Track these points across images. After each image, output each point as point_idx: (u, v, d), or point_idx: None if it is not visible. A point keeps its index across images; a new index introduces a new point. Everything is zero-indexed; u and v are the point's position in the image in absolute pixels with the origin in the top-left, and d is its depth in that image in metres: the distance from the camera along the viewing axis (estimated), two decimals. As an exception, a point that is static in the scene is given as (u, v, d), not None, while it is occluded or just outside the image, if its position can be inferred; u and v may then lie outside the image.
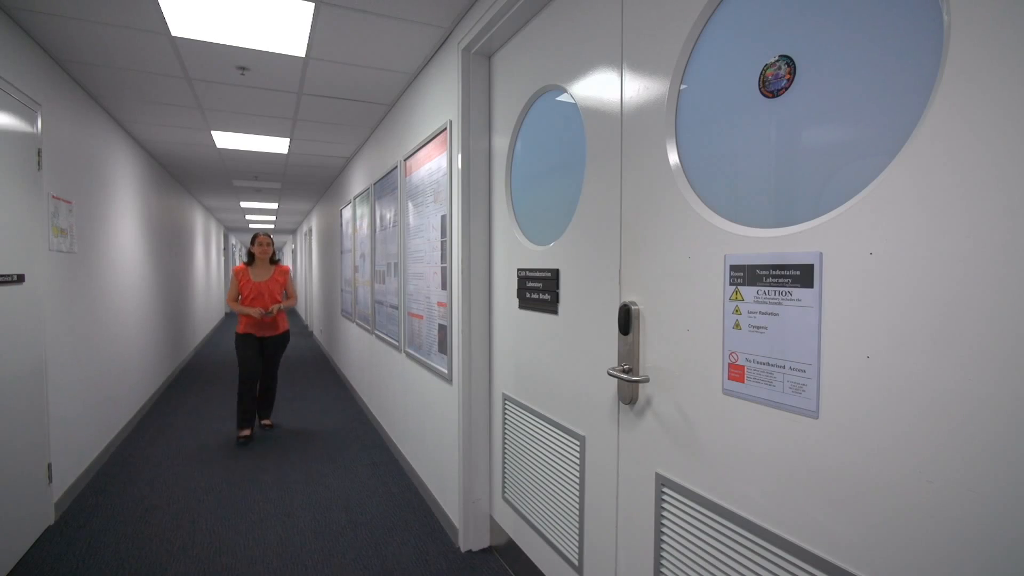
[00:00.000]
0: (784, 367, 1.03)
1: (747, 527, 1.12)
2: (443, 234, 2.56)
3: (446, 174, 2.50)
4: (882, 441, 0.89)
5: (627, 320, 1.42)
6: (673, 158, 1.31)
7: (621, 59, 1.47)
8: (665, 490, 1.36)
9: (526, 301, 2.02)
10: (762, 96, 1.08)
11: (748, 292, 1.09)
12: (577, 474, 1.71)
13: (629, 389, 1.46)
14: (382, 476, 3.27)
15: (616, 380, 1.52)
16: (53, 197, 2.76)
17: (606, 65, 1.53)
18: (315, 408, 4.85)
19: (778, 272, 1.04)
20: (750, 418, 1.12)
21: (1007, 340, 0.75)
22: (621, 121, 1.48)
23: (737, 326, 1.12)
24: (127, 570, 2.26)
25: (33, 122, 2.55)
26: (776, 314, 1.04)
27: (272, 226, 13.29)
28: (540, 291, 1.91)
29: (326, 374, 6.39)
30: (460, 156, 2.33)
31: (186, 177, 6.35)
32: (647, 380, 1.39)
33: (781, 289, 1.03)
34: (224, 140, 4.51)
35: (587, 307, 1.65)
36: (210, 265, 10.13)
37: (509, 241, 2.18)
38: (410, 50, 2.68)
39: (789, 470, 1.04)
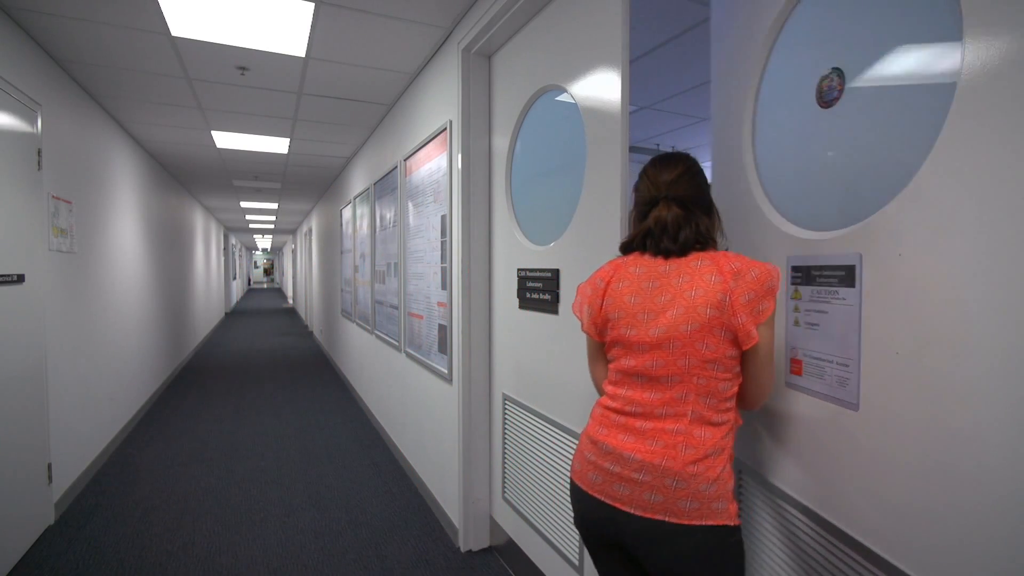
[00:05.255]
0: (832, 361, 1.09)
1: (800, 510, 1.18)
2: (443, 234, 2.56)
3: (446, 174, 2.50)
4: (910, 435, 0.93)
5: None
6: (750, 161, 1.34)
7: (621, 59, 1.47)
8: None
9: (526, 301, 2.02)
10: (819, 107, 1.14)
11: (805, 291, 1.16)
12: (577, 474, 1.71)
13: None
14: (382, 476, 3.27)
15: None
16: (53, 197, 2.76)
17: (606, 65, 1.53)
18: (315, 408, 4.85)
19: (828, 272, 1.10)
20: (807, 408, 1.16)
21: (1018, 339, 0.77)
22: (621, 121, 1.48)
23: (797, 323, 1.19)
24: (127, 570, 2.26)
25: (33, 122, 2.55)
26: (826, 312, 1.11)
27: (272, 226, 13.30)
28: (540, 291, 1.91)
29: (326, 374, 6.39)
30: (460, 156, 2.33)
31: (186, 177, 6.35)
32: None
33: (830, 288, 1.10)
34: (224, 140, 4.52)
35: (587, 307, 1.65)
36: (210, 265, 10.13)
37: (509, 241, 2.18)
38: (410, 50, 2.68)
39: (835, 458, 1.09)
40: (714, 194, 1.47)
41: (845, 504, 1.06)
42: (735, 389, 1.07)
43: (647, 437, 1.06)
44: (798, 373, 1.19)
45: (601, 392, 1.22)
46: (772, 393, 1.24)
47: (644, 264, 1.14)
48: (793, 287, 1.20)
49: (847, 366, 1.05)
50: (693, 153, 1.28)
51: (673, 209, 1.12)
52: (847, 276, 1.05)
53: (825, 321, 1.11)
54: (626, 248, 1.21)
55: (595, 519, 1.12)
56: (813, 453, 1.15)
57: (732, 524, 1.02)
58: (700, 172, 1.18)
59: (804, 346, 1.17)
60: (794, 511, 1.19)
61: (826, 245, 1.11)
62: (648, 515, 1.03)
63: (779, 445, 1.25)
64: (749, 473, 1.37)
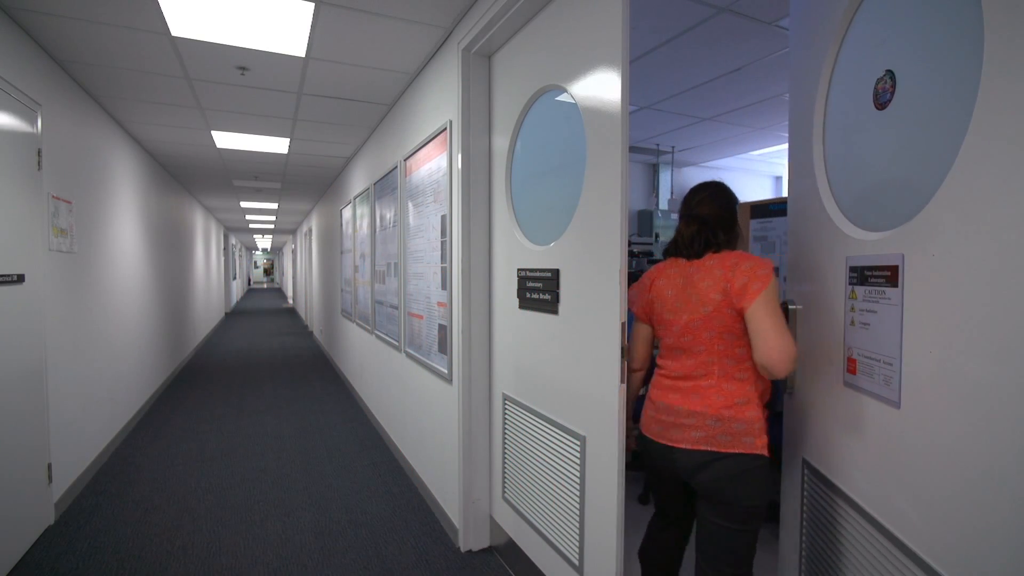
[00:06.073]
0: (880, 360, 1.12)
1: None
2: (443, 234, 2.56)
3: (446, 174, 2.50)
4: (944, 433, 0.94)
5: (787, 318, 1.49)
6: (820, 161, 1.36)
7: (621, 59, 1.47)
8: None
9: (526, 301, 2.02)
10: (875, 108, 1.16)
11: (860, 291, 1.19)
12: (578, 474, 1.71)
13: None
14: (382, 476, 3.27)
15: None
16: (53, 197, 2.76)
17: (606, 65, 1.53)
18: (315, 408, 4.85)
19: (878, 273, 1.13)
20: (858, 406, 1.18)
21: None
22: (622, 121, 1.48)
23: (852, 323, 1.22)
24: (127, 570, 2.26)
25: (33, 122, 2.55)
26: (875, 312, 1.13)
27: (272, 226, 13.30)
28: (540, 291, 1.91)
29: (326, 374, 6.39)
30: (460, 156, 2.33)
31: (186, 177, 6.35)
32: None
33: (879, 289, 1.12)
34: (224, 140, 4.51)
35: (588, 307, 1.65)
36: (210, 265, 10.13)
37: (509, 241, 2.18)
38: (410, 50, 2.68)
39: (879, 455, 1.11)
40: (790, 194, 1.53)
41: (887, 501, 1.08)
42: (750, 352, 1.35)
43: (689, 392, 1.42)
44: (853, 372, 1.21)
45: (633, 365, 1.63)
46: (832, 393, 1.28)
47: (678, 266, 1.51)
48: (850, 287, 1.22)
49: (891, 365, 1.08)
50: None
51: (692, 226, 1.49)
52: (892, 276, 1.07)
53: (875, 321, 1.13)
54: (667, 253, 1.58)
55: (660, 459, 1.50)
56: (863, 451, 1.17)
57: (757, 453, 1.34)
58: (722, 196, 1.51)
59: (858, 345, 1.19)
60: (846, 506, 1.22)
61: (876, 246, 1.13)
62: (695, 447, 1.39)
63: (835, 443, 1.28)
64: (811, 470, 1.40)
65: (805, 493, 1.45)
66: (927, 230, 0.98)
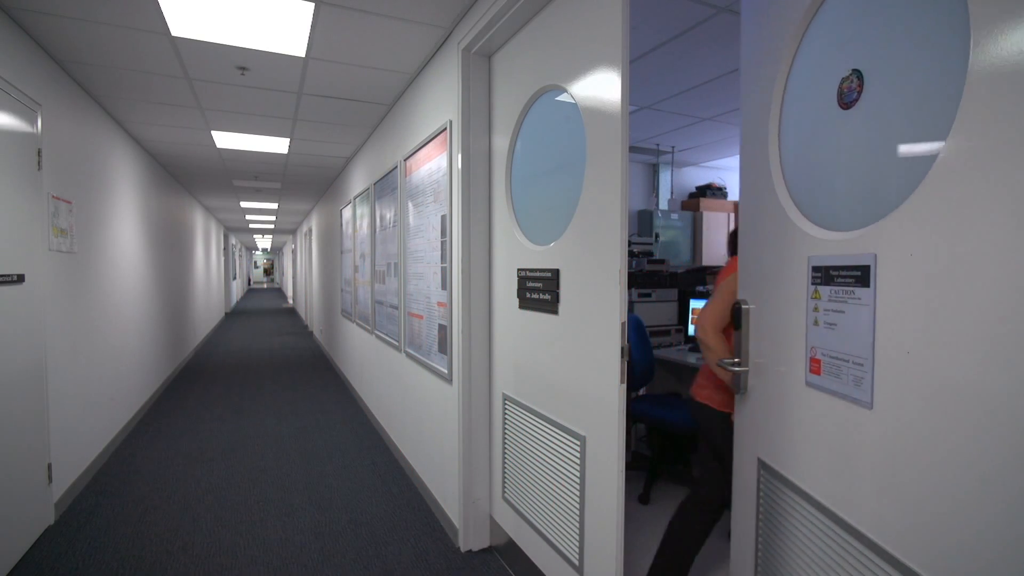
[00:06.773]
0: (848, 361, 1.11)
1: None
2: (443, 234, 2.56)
3: (446, 174, 2.50)
4: (920, 434, 0.93)
5: (739, 317, 1.49)
6: (775, 161, 1.35)
7: (621, 59, 1.47)
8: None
9: (526, 301, 2.02)
10: (839, 108, 1.15)
11: (824, 291, 1.18)
12: (578, 474, 1.71)
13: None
14: (382, 476, 3.27)
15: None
16: (53, 197, 2.76)
17: (606, 65, 1.53)
18: (315, 408, 4.85)
19: (846, 273, 1.11)
20: (824, 407, 1.18)
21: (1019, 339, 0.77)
22: (621, 121, 1.48)
23: (816, 323, 1.21)
24: (127, 570, 2.26)
25: (33, 122, 2.55)
26: (843, 312, 1.12)
27: (272, 226, 13.30)
28: (540, 291, 1.91)
29: (326, 374, 6.39)
30: (460, 156, 2.33)
31: (186, 177, 6.35)
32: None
33: (847, 288, 1.11)
34: (224, 140, 4.52)
35: (588, 307, 1.65)
36: (210, 265, 10.13)
37: (509, 241, 2.18)
38: (410, 50, 2.68)
39: (850, 456, 1.10)
40: (741, 195, 1.51)
41: (859, 502, 1.07)
42: (731, 331, 1.64)
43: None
44: (817, 372, 1.20)
45: None
46: (792, 393, 1.29)
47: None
48: (813, 287, 1.20)
49: (862, 365, 1.06)
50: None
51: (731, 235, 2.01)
52: (863, 276, 1.06)
53: (842, 321, 1.12)
54: None
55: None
56: (829, 451, 1.16)
57: (703, 402, 1.93)
58: None
59: (822, 346, 1.18)
60: (810, 508, 1.20)
61: (844, 245, 1.12)
62: (692, 391, 2.02)
63: (797, 443, 1.27)
64: (767, 469, 1.38)
65: (761, 492, 1.43)
66: (904, 229, 0.96)
